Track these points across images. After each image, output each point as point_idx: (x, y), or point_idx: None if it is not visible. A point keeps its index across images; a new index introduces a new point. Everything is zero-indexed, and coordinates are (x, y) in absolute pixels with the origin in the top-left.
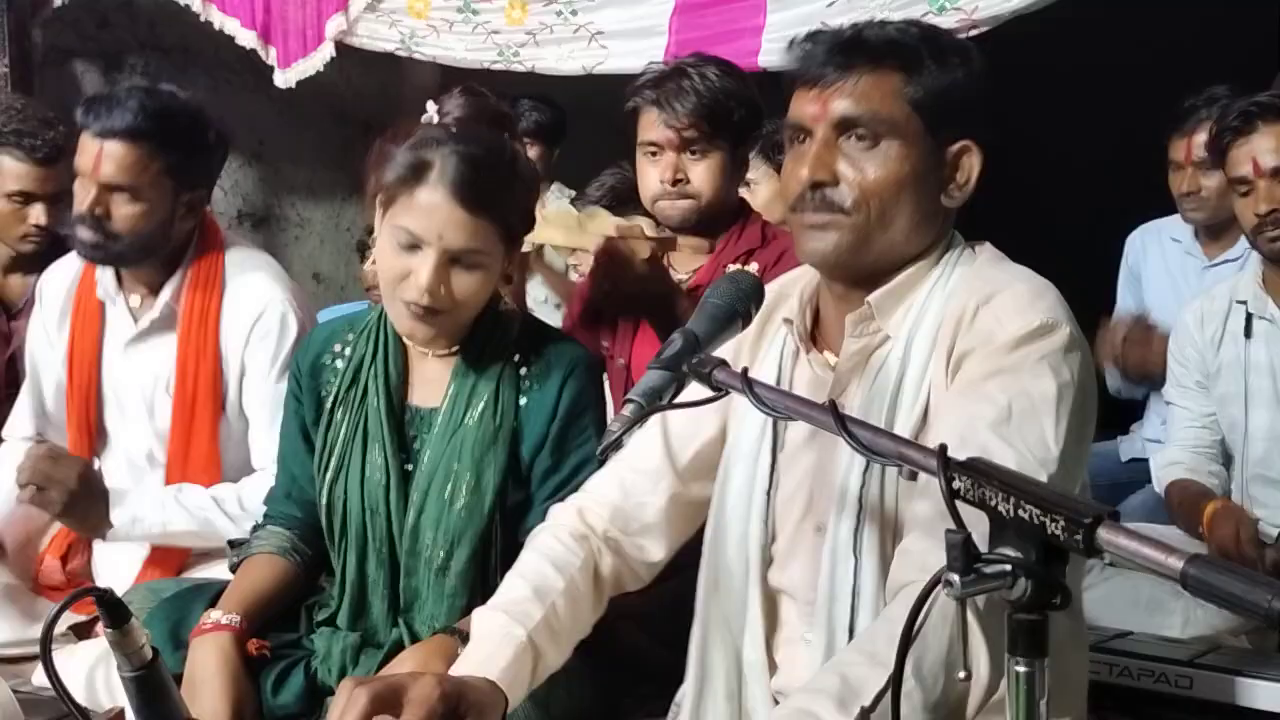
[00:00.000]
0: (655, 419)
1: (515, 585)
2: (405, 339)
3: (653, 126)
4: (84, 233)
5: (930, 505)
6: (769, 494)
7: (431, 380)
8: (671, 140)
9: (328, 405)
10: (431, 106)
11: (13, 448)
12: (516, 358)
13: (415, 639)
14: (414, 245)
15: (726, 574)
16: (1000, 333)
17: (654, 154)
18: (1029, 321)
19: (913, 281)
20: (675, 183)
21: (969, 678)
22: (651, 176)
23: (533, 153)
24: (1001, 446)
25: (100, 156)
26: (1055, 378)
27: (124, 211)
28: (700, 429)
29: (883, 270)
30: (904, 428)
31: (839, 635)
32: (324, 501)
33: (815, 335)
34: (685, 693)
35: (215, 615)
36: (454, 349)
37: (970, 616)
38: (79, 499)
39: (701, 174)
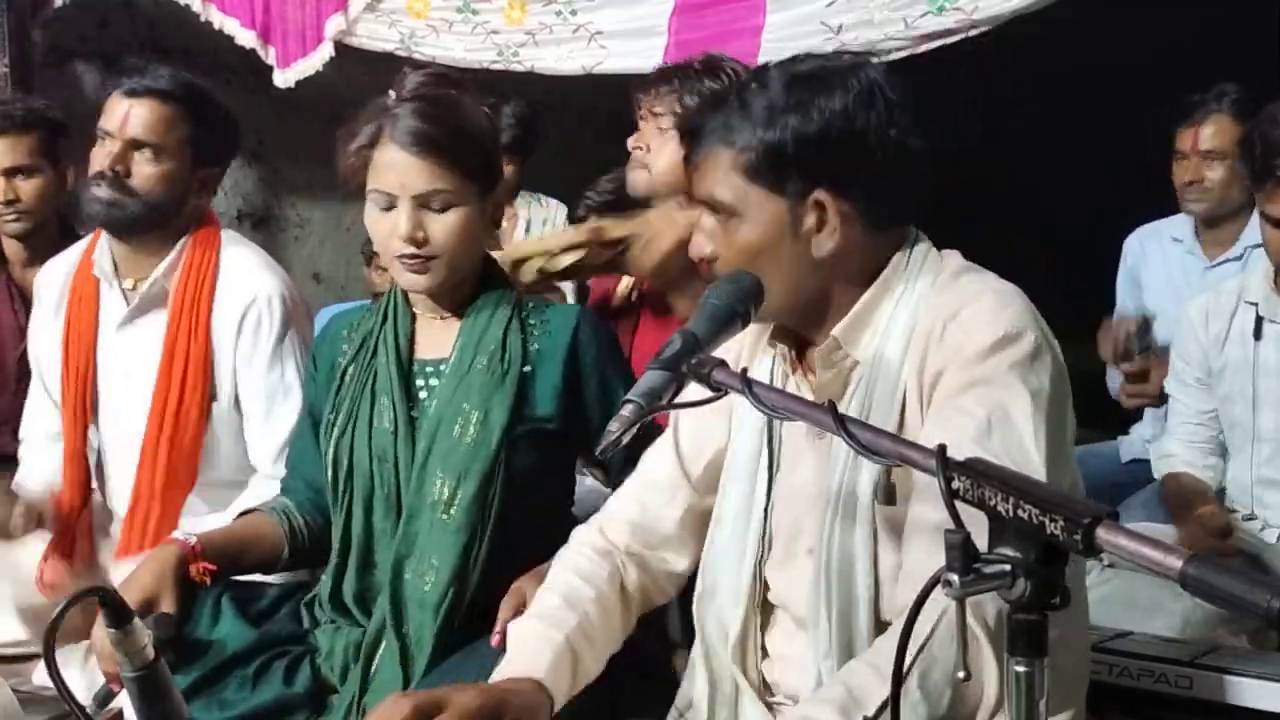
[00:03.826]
0: (667, 433)
1: (545, 598)
2: (410, 294)
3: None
4: (100, 191)
5: (937, 516)
6: (766, 512)
7: (438, 339)
8: (643, 113)
9: (340, 367)
10: (392, 96)
11: (36, 445)
12: (522, 313)
13: (401, 612)
14: (389, 204)
15: (725, 588)
16: (969, 344)
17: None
18: (995, 331)
19: (872, 306)
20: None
21: (968, 678)
22: None
23: (509, 168)
24: (986, 458)
25: (129, 114)
26: (1026, 385)
27: (145, 170)
28: (709, 441)
29: (802, 313)
30: None
31: (833, 652)
32: (331, 457)
33: (801, 359)
34: (691, 700)
35: (177, 534)
36: (459, 312)
37: (980, 632)
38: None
39: (658, 149)
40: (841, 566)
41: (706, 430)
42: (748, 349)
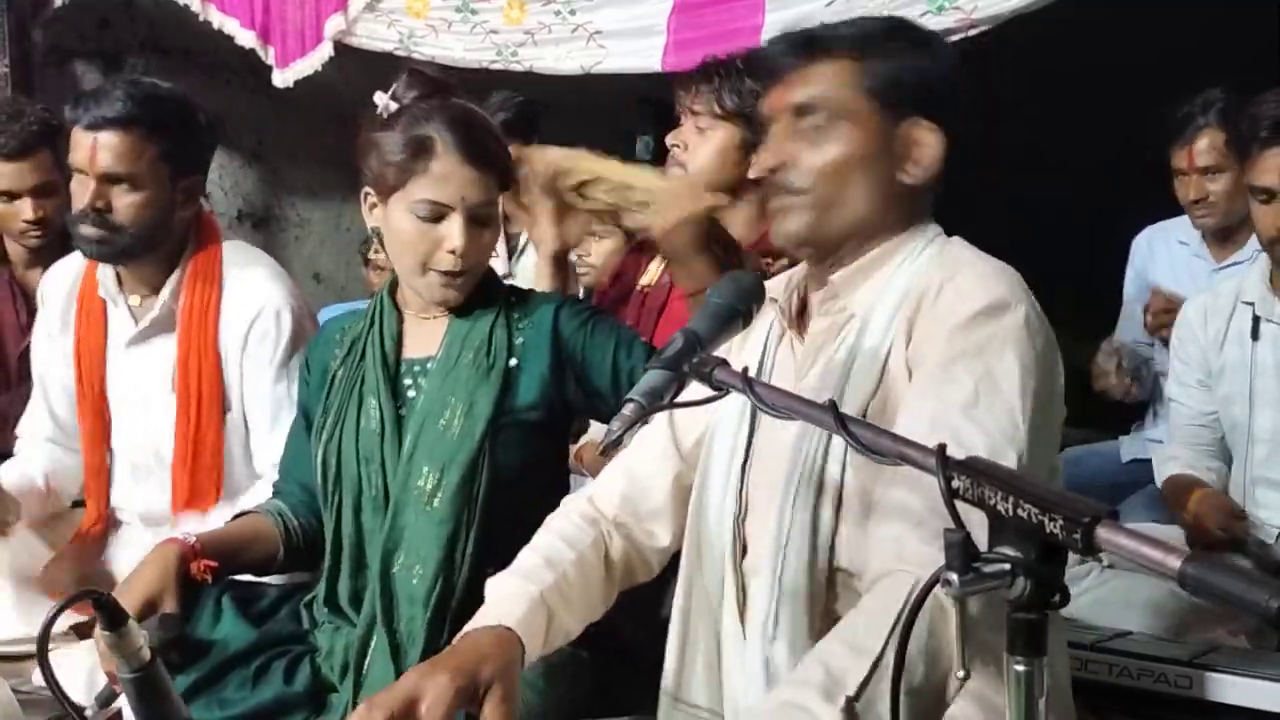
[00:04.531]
0: None
1: (527, 556)
2: (401, 295)
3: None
4: (86, 230)
5: (907, 493)
6: (744, 469)
7: (427, 337)
8: (683, 110)
9: (331, 371)
10: (381, 98)
11: (31, 444)
12: (507, 307)
13: (392, 607)
14: (438, 215)
15: (707, 545)
16: (961, 309)
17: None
18: (986, 298)
19: (878, 261)
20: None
21: (968, 676)
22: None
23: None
24: (971, 428)
25: (95, 148)
26: (1017, 355)
27: (125, 202)
28: (701, 414)
29: (851, 246)
30: (854, 399)
31: (798, 612)
32: (320, 460)
33: (802, 319)
34: (667, 662)
35: (176, 533)
36: (449, 310)
37: (950, 607)
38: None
39: (696, 148)
40: (803, 519)
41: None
42: None
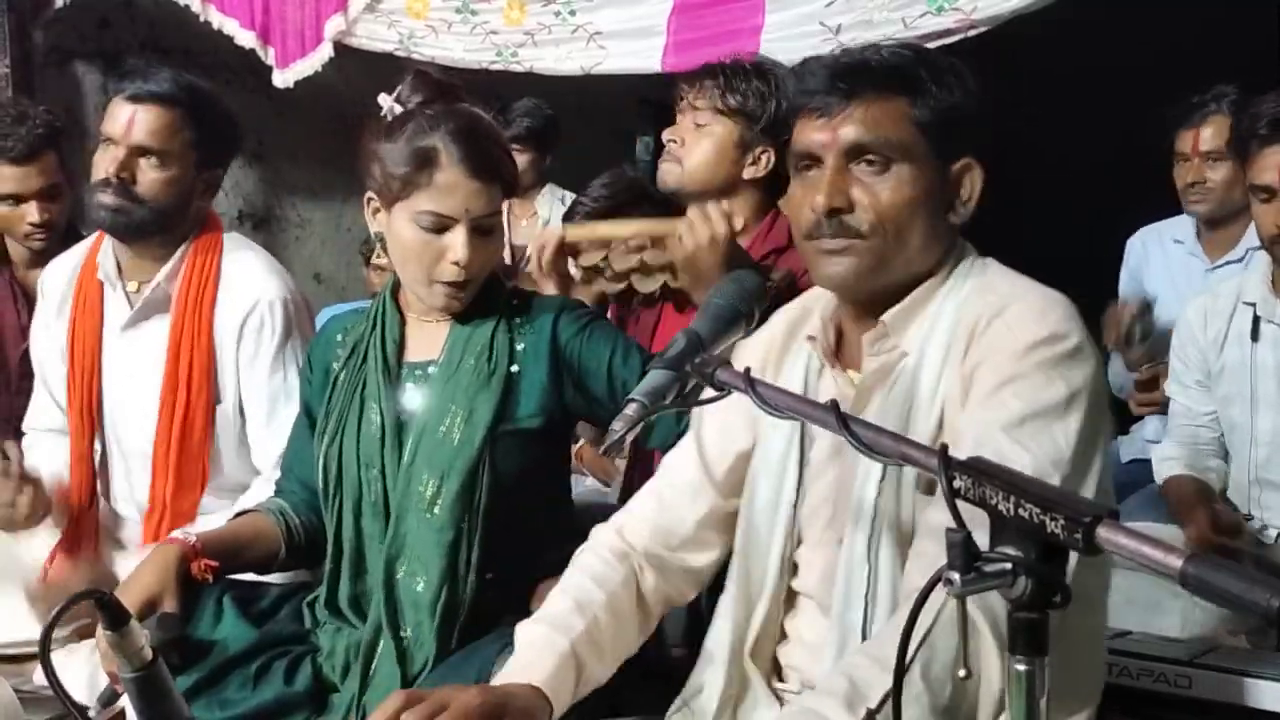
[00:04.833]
0: (690, 435)
1: (556, 600)
2: (403, 297)
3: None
4: (106, 198)
5: (944, 513)
6: (795, 507)
7: (429, 340)
8: (683, 106)
9: (333, 373)
10: (385, 100)
11: (38, 440)
12: (509, 311)
13: (397, 613)
14: (442, 226)
15: (757, 586)
16: (1013, 341)
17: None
18: (1040, 331)
19: (924, 297)
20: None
21: (969, 675)
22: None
23: (524, 159)
24: (1016, 449)
25: (133, 120)
26: (1066, 384)
27: (150, 177)
28: (732, 444)
29: (897, 289)
30: (920, 437)
31: (851, 639)
32: (321, 462)
33: (839, 352)
34: (700, 688)
35: (177, 533)
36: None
37: (984, 625)
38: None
39: (693, 144)
40: (867, 554)
41: (730, 432)
42: (777, 347)
